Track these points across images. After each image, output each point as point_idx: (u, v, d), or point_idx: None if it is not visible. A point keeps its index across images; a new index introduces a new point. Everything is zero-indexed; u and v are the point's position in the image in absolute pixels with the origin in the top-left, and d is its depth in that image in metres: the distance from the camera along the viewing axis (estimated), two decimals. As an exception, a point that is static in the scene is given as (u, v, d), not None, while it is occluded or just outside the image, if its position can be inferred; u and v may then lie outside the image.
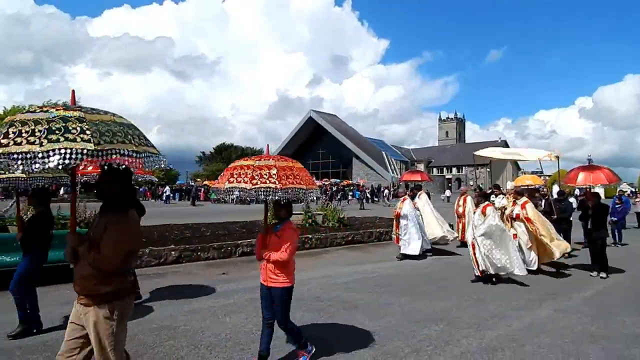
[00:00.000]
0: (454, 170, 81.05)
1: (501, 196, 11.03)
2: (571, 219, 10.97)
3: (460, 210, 11.41)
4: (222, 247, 9.46)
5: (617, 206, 12.99)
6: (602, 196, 16.88)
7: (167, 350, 4.21)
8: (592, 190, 8.77)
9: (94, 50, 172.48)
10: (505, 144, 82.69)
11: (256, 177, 3.37)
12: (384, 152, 67.25)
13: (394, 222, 10.08)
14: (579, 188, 12.73)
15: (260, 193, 3.32)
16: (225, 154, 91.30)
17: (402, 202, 10.01)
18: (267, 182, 3.33)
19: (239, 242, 9.84)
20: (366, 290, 6.78)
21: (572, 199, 12.68)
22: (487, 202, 7.54)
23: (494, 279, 7.22)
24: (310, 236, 11.11)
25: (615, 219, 12.58)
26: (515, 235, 8.00)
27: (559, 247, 8.00)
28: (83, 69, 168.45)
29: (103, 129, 2.30)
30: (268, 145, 3.98)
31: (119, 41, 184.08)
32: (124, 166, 2.39)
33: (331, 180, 52.97)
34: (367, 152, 63.40)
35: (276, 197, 3.33)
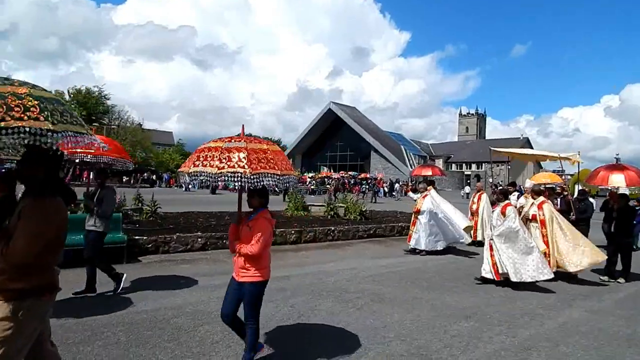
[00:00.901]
0: (474, 166, 79.95)
1: (516, 194, 10.52)
2: (591, 220, 10.40)
3: (475, 207, 11.05)
4: (246, 235, 9.54)
5: (636, 208, 12.47)
6: (628, 196, 16.06)
7: (203, 335, 4.29)
8: (619, 192, 8.36)
9: (118, 38, 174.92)
10: (527, 142, 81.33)
11: (223, 160, 3.01)
12: (402, 146, 66.67)
13: (412, 218, 9.95)
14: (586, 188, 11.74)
15: (227, 178, 2.96)
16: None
17: (423, 197, 9.86)
18: (236, 166, 2.97)
19: (263, 231, 9.90)
20: (393, 283, 6.78)
21: (592, 199, 11.94)
22: (507, 202, 7.15)
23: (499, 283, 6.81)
24: (332, 228, 11.13)
25: (634, 222, 12.08)
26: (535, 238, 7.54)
27: (575, 262, 7.28)
28: (107, 56, 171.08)
29: (29, 103, 2.00)
30: (243, 125, 3.54)
31: (143, 29, 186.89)
32: (54, 147, 2.10)
33: (331, 172, 52.73)
34: (386, 145, 62.93)
35: (246, 184, 2.97)
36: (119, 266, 7.05)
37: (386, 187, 43.49)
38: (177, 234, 8.69)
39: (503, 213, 6.92)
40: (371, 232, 11.88)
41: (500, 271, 6.73)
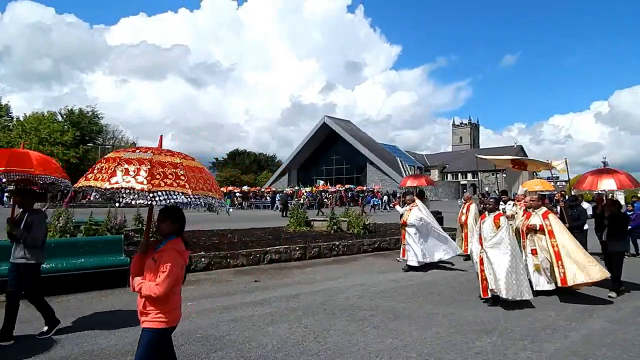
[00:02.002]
0: (469, 176, 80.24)
1: (510, 203, 10.12)
2: (586, 227, 9.82)
3: (464, 218, 10.57)
4: (250, 254, 9.35)
5: (628, 213, 11.53)
6: (622, 202, 15.39)
7: (217, 362, 4.09)
8: (613, 198, 7.93)
9: (111, 58, 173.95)
10: (521, 149, 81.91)
11: (119, 172, 2.49)
12: (398, 158, 66.91)
13: (402, 230, 9.36)
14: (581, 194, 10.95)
15: (121, 195, 2.49)
16: (239, 160, 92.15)
17: (409, 209, 9.26)
18: (132, 181, 2.46)
19: (267, 249, 9.72)
20: (406, 299, 6.59)
21: (586, 204, 11.19)
22: (498, 212, 6.63)
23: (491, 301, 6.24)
24: (337, 243, 10.96)
25: (629, 227, 10.87)
26: (534, 251, 7.01)
27: (589, 271, 6.60)
28: (100, 76, 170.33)
29: None
30: (161, 136, 3.03)
31: (137, 49, 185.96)
32: None
33: (328, 186, 52.57)
34: (382, 157, 63.10)
35: (143, 202, 2.49)
36: (122, 290, 6.85)
37: (384, 199, 43.42)
38: (180, 254, 8.46)
39: (496, 224, 6.41)
40: (376, 245, 11.72)
41: (489, 287, 6.20)
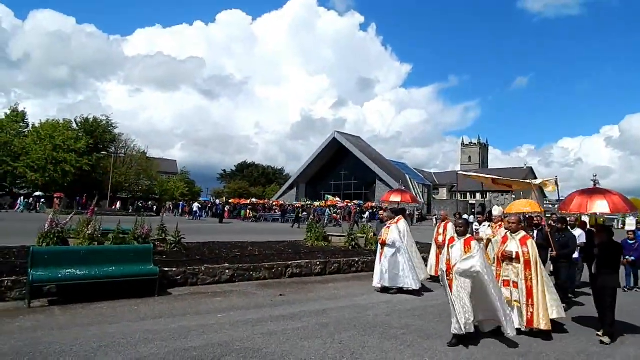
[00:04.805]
0: (478, 196, 79.85)
1: (486, 224, 9.26)
2: (575, 255, 8.64)
3: (440, 239, 9.77)
4: (272, 267, 9.41)
5: (630, 242, 10.47)
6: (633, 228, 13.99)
7: (260, 375, 4.13)
8: (603, 223, 7.23)
9: (127, 68, 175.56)
10: (531, 171, 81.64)
11: None
12: (407, 176, 66.81)
13: (379, 250, 8.65)
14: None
15: None
16: (247, 172, 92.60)
17: (387, 227, 8.64)
18: None
19: (289, 263, 9.78)
20: (434, 318, 6.59)
21: (578, 231, 9.42)
22: (469, 235, 5.85)
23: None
24: (357, 259, 10.99)
25: (633, 258, 10.16)
26: (515, 284, 6.01)
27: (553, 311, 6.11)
28: (115, 86, 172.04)
29: None
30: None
31: (153, 60, 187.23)
32: None
33: (337, 201, 52.48)
34: (391, 174, 63.01)
35: None
36: (152, 299, 6.92)
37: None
38: (205, 265, 8.56)
39: (467, 248, 5.57)
40: (394, 263, 11.69)
41: (460, 321, 5.29)
